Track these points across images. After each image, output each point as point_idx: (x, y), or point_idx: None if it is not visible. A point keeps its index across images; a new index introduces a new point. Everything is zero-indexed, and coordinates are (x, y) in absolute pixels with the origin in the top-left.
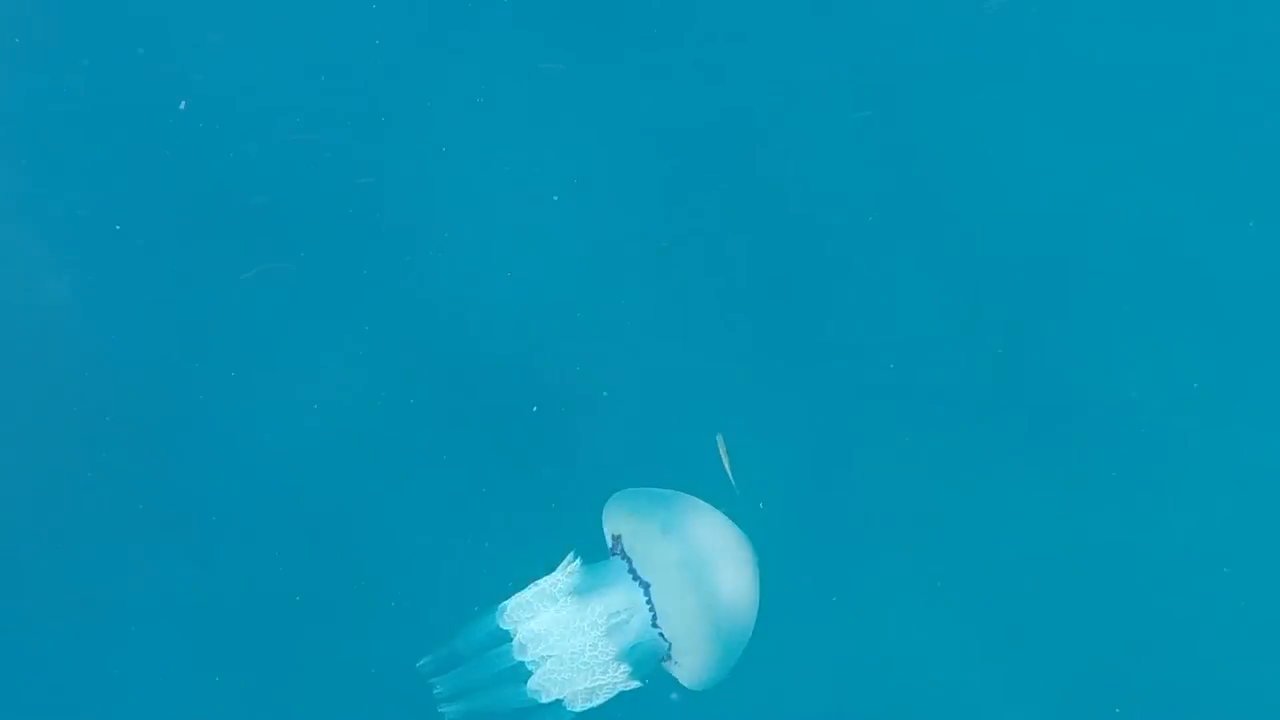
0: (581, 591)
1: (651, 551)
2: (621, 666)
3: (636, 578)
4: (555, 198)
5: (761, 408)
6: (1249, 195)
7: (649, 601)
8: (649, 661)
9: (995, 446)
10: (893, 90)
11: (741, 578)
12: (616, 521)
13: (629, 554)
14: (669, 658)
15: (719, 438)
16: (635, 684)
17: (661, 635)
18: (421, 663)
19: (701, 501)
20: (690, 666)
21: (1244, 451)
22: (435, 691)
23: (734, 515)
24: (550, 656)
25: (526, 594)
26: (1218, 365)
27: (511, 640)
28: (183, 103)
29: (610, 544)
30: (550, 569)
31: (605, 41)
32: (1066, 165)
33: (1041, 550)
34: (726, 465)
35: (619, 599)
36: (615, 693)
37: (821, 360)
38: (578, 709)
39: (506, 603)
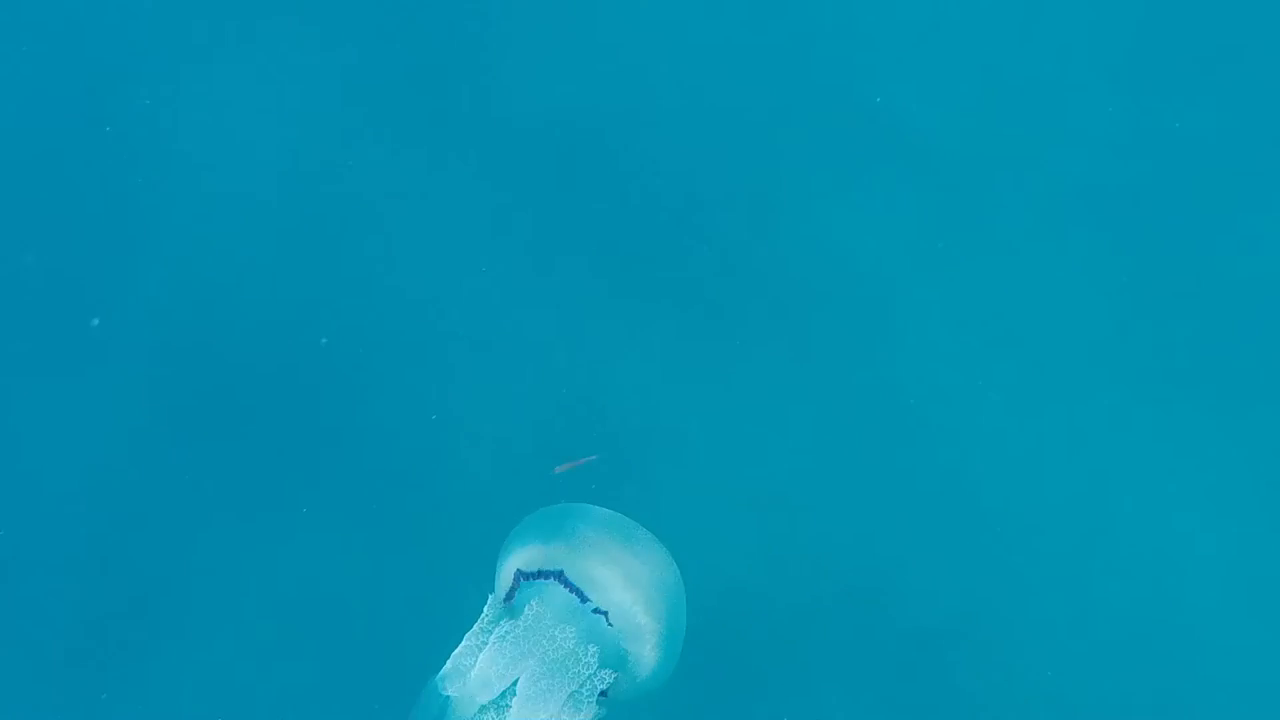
0: (513, 614)
1: (550, 553)
2: (590, 649)
3: (550, 576)
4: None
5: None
6: None
7: (570, 587)
8: (608, 644)
9: None
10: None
11: (647, 541)
12: (507, 559)
13: (535, 568)
14: (621, 637)
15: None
16: (610, 675)
17: (602, 614)
18: None
19: (584, 505)
20: (643, 635)
21: None
22: None
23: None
24: (518, 679)
25: (459, 652)
26: None
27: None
28: None
29: (510, 582)
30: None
31: None
32: None
33: None
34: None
35: (547, 600)
36: (597, 694)
37: None
38: None
39: (443, 669)
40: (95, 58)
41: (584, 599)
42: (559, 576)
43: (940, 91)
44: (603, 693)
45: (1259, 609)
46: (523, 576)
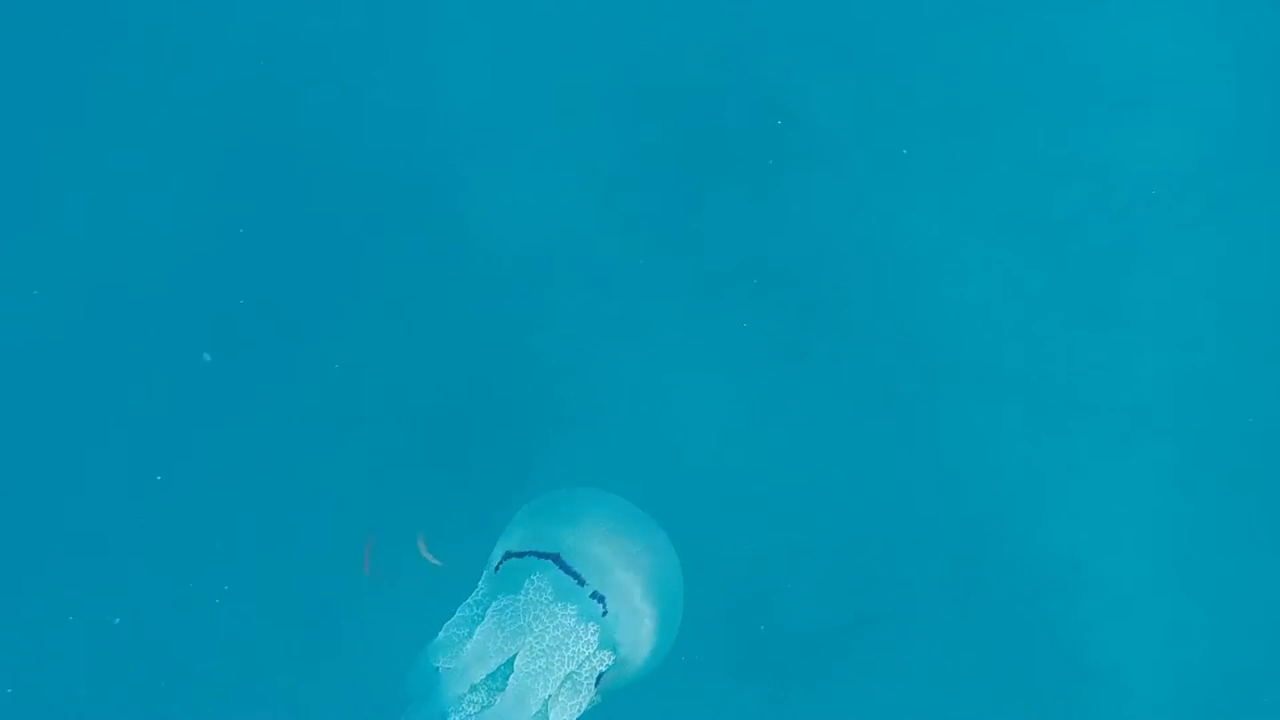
0: (512, 589)
1: (550, 534)
2: (590, 627)
3: (546, 556)
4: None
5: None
6: None
7: (566, 569)
8: (607, 626)
9: None
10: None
11: (648, 526)
12: (503, 539)
13: (528, 548)
14: (607, 612)
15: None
16: (609, 656)
17: (600, 600)
18: None
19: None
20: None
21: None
22: None
23: None
24: (513, 656)
25: (452, 623)
26: None
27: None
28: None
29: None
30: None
31: None
32: None
33: None
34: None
35: (549, 577)
36: (595, 676)
37: None
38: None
39: (435, 640)
40: None
41: (581, 582)
42: (555, 559)
43: (859, 99)
44: (600, 676)
45: (1160, 630)
46: (509, 556)
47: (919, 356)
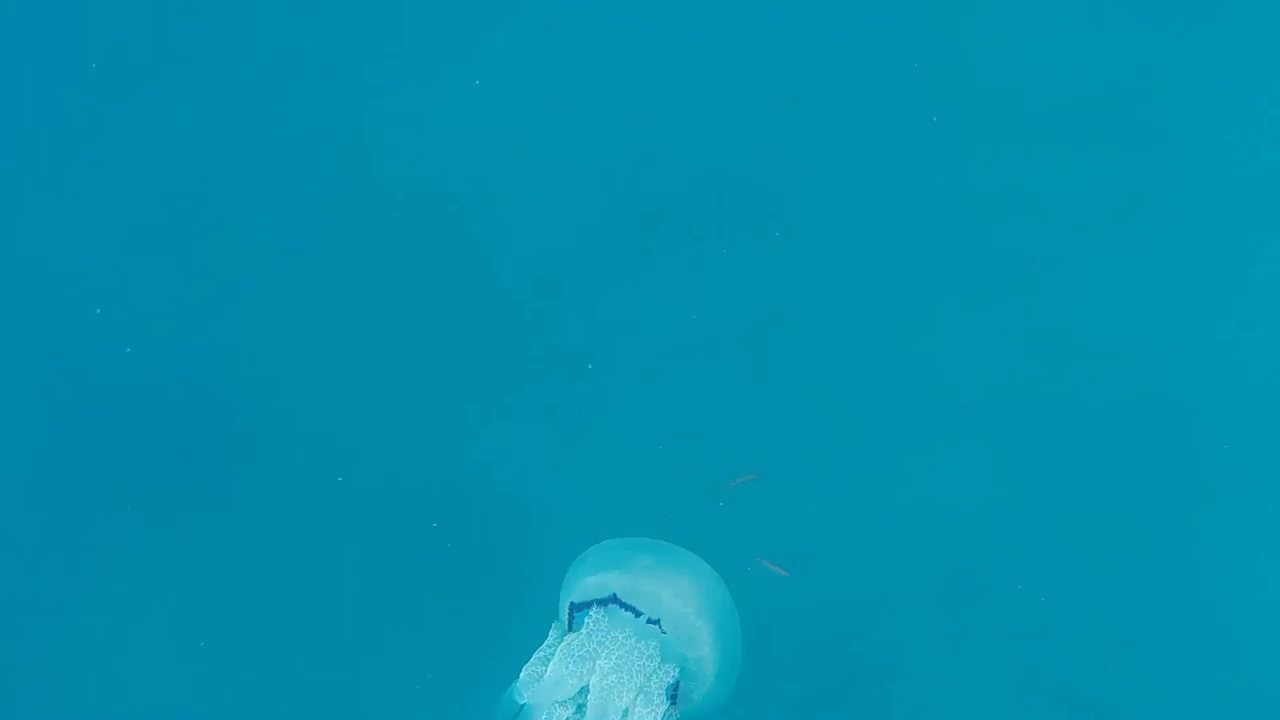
0: (575, 629)
1: (602, 580)
2: (650, 644)
3: (604, 603)
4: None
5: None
6: None
7: (623, 606)
8: (666, 645)
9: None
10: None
11: (694, 561)
12: (564, 594)
13: (588, 599)
14: (676, 641)
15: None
16: (674, 669)
17: (655, 623)
18: None
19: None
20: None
21: None
22: None
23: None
24: (587, 680)
25: (529, 665)
26: None
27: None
28: None
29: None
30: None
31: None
32: None
33: None
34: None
35: (606, 611)
36: (665, 688)
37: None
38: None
39: (517, 680)
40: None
41: (637, 613)
42: (611, 600)
43: (804, 154)
44: (673, 698)
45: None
46: (575, 608)
47: (888, 401)
